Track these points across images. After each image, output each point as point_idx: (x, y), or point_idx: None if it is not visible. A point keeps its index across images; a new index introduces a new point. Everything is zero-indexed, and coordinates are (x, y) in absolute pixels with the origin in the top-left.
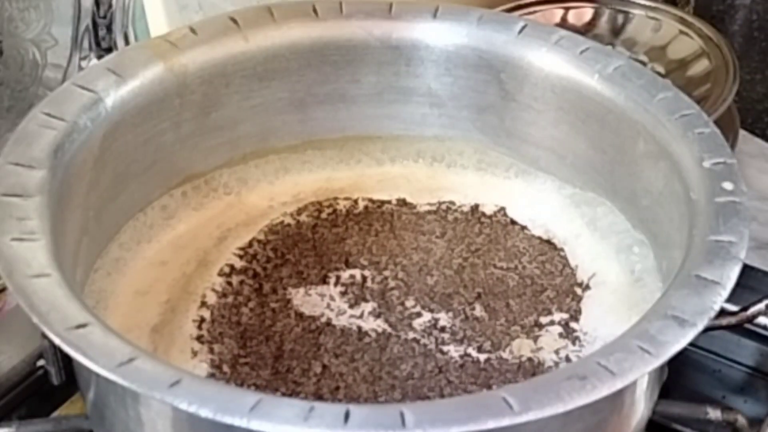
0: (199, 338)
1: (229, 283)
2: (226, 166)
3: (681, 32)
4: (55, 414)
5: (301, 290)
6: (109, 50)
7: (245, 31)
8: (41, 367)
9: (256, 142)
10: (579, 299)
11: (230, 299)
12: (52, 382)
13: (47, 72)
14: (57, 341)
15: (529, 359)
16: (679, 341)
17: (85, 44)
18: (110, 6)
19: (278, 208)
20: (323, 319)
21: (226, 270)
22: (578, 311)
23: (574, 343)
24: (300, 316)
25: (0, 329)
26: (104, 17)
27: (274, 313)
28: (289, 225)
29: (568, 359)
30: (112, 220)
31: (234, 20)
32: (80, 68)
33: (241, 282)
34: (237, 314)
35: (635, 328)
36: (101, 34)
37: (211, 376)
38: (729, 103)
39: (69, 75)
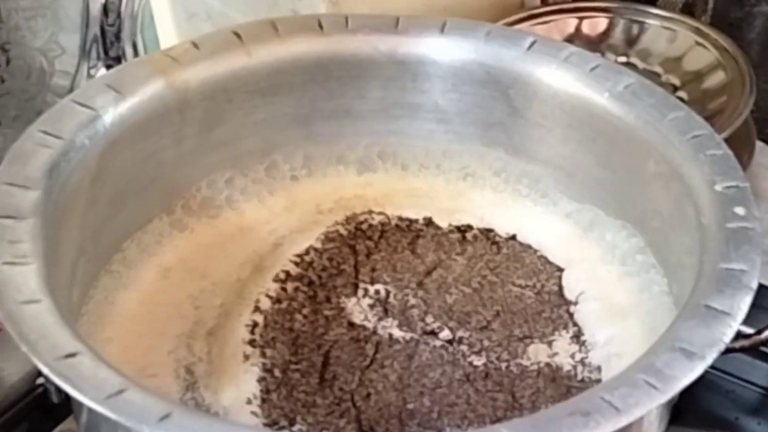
0: (251, 342)
1: (284, 289)
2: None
3: (697, 43)
4: (57, 430)
5: (353, 300)
6: (117, 59)
7: (248, 46)
8: (41, 384)
9: (260, 158)
10: (588, 315)
11: (284, 305)
12: (51, 400)
13: (56, 79)
14: (45, 371)
15: (547, 364)
16: (686, 375)
17: (93, 53)
18: (119, 14)
19: (327, 214)
20: (370, 329)
21: (282, 276)
22: (582, 327)
23: (581, 349)
24: (351, 325)
25: (0, 347)
26: (112, 25)
27: (327, 321)
28: (342, 235)
29: (582, 363)
30: (110, 239)
31: (237, 35)
32: (89, 76)
33: (296, 288)
34: (290, 320)
35: (641, 361)
36: (109, 43)
37: (262, 380)
38: (745, 117)
39: (77, 83)
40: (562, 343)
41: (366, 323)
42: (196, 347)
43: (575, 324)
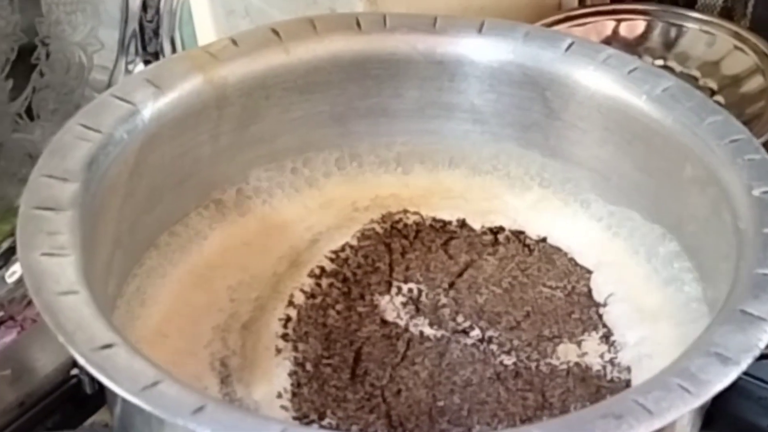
0: (284, 336)
1: (318, 285)
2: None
3: (735, 47)
4: (90, 421)
5: (387, 297)
6: (155, 54)
7: (286, 44)
8: (75, 375)
9: (296, 155)
10: (618, 317)
11: (318, 300)
12: (85, 391)
13: (94, 74)
14: (82, 362)
15: (577, 364)
16: (721, 380)
17: (132, 48)
18: (158, 10)
19: (363, 212)
20: (402, 326)
21: (317, 272)
22: (612, 328)
23: (610, 349)
24: (384, 322)
25: (35, 337)
26: (151, 21)
27: (361, 317)
28: (378, 233)
29: (612, 363)
30: (146, 233)
31: (275, 32)
32: (127, 71)
33: (331, 284)
34: (324, 316)
35: (675, 364)
36: (148, 38)
37: (294, 374)
38: None
39: (115, 78)
40: (592, 343)
41: (398, 321)
42: (230, 340)
43: (605, 325)
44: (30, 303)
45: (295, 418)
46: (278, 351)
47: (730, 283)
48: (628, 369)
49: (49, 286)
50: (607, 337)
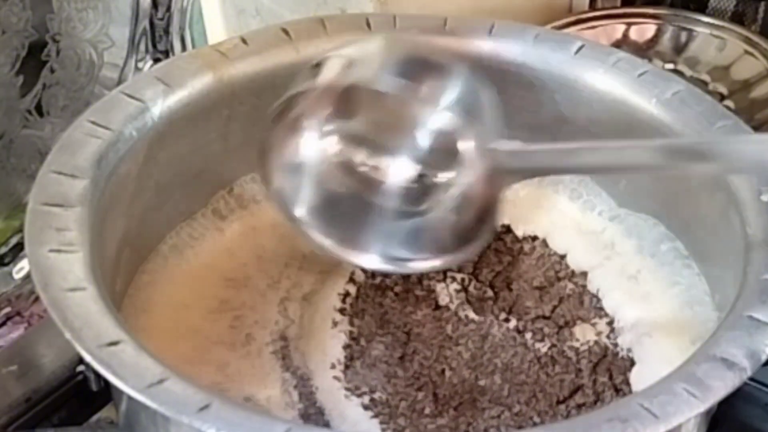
0: (341, 311)
1: None
2: None
3: (746, 52)
4: (95, 417)
5: (443, 284)
6: (165, 52)
7: (297, 43)
8: (81, 372)
9: None
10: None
11: (378, 281)
12: (91, 387)
13: (104, 71)
14: (88, 358)
15: (596, 342)
16: (727, 385)
17: (142, 46)
18: (168, 8)
19: None
20: (452, 310)
21: None
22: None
23: (612, 333)
24: (438, 307)
25: (42, 333)
26: (162, 19)
27: (417, 301)
28: None
29: (616, 344)
30: (154, 230)
31: (286, 32)
32: (136, 69)
33: None
34: (382, 296)
35: (681, 369)
36: (158, 36)
37: (348, 347)
38: None
39: (125, 76)
40: (602, 327)
41: (450, 305)
42: (290, 310)
43: (611, 314)
44: (37, 299)
45: (347, 389)
46: (335, 324)
47: (738, 289)
48: (630, 349)
49: (56, 282)
50: (611, 323)
